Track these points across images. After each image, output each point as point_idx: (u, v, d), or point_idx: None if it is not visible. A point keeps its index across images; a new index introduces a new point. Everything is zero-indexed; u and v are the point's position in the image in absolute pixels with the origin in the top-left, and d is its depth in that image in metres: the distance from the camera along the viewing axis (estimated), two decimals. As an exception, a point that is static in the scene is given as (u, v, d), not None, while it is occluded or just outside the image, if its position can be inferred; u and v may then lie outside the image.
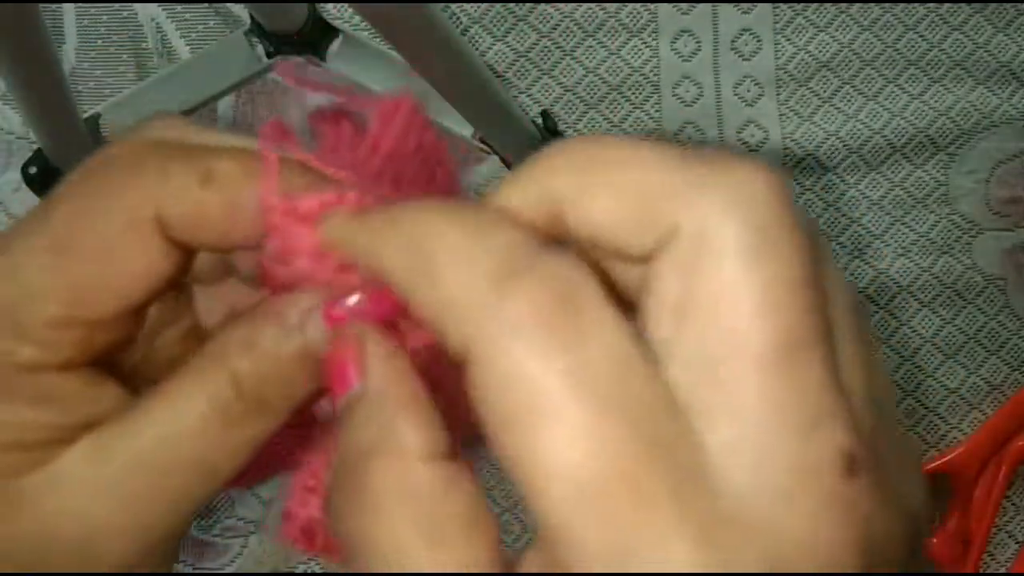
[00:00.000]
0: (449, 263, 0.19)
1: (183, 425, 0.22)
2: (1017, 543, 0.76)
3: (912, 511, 0.19)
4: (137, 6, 0.71)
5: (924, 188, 0.75)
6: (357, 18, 0.69)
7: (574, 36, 0.73)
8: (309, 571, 0.71)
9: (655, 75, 0.74)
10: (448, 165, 0.27)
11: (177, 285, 0.25)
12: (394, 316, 0.23)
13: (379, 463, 0.20)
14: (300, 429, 0.27)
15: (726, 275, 0.18)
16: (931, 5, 0.75)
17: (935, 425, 0.75)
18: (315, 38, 0.57)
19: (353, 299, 0.23)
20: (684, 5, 0.74)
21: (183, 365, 0.23)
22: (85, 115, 0.58)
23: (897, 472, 0.19)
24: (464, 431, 0.22)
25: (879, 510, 0.18)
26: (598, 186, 0.20)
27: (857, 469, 0.17)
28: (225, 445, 0.23)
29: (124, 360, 0.25)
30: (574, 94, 0.73)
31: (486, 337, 0.18)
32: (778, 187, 0.18)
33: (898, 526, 0.18)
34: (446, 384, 0.22)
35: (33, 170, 0.59)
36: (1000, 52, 0.75)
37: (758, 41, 0.74)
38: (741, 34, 0.74)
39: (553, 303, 0.18)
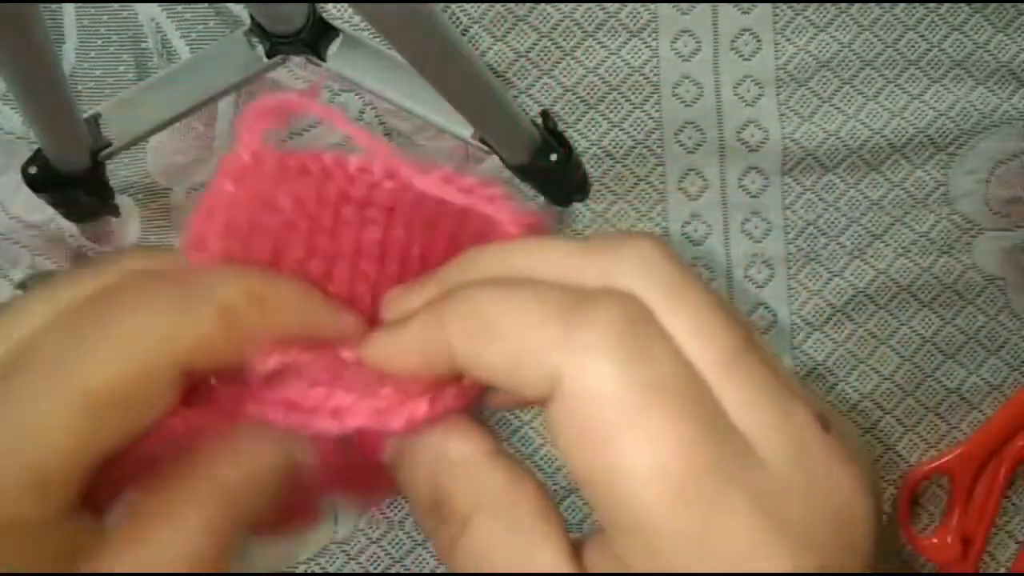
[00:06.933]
0: (510, 318, 0.21)
1: (175, 549, 0.21)
2: (1017, 543, 0.76)
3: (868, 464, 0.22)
4: (137, 6, 0.71)
5: (924, 188, 0.75)
6: (357, 18, 0.69)
7: (574, 36, 0.73)
8: (309, 571, 0.71)
9: (655, 75, 0.74)
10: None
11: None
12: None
13: (450, 475, 0.22)
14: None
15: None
16: (931, 5, 0.75)
17: (935, 425, 0.75)
18: (315, 38, 0.57)
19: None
20: (684, 5, 0.74)
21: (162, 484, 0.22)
22: (85, 115, 0.58)
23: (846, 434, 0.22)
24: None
25: (849, 456, 0.21)
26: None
27: (828, 426, 0.21)
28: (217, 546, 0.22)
29: None
30: (574, 94, 0.73)
31: (564, 364, 0.20)
32: (665, 253, 0.21)
33: (869, 473, 0.21)
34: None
35: (33, 170, 0.59)
36: (1000, 52, 0.75)
37: (758, 41, 0.74)
38: (741, 34, 0.74)
39: (622, 324, 0.20)
